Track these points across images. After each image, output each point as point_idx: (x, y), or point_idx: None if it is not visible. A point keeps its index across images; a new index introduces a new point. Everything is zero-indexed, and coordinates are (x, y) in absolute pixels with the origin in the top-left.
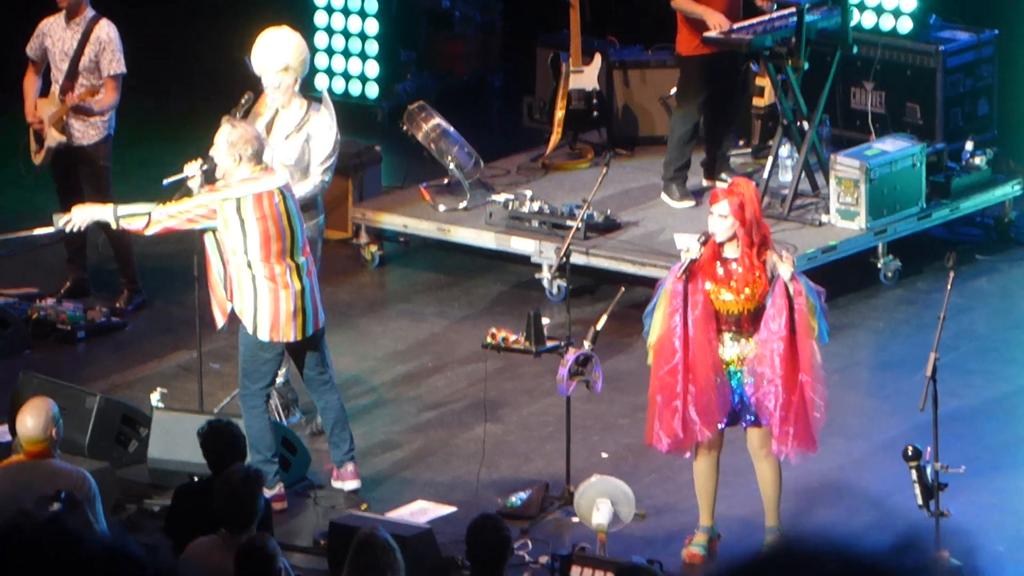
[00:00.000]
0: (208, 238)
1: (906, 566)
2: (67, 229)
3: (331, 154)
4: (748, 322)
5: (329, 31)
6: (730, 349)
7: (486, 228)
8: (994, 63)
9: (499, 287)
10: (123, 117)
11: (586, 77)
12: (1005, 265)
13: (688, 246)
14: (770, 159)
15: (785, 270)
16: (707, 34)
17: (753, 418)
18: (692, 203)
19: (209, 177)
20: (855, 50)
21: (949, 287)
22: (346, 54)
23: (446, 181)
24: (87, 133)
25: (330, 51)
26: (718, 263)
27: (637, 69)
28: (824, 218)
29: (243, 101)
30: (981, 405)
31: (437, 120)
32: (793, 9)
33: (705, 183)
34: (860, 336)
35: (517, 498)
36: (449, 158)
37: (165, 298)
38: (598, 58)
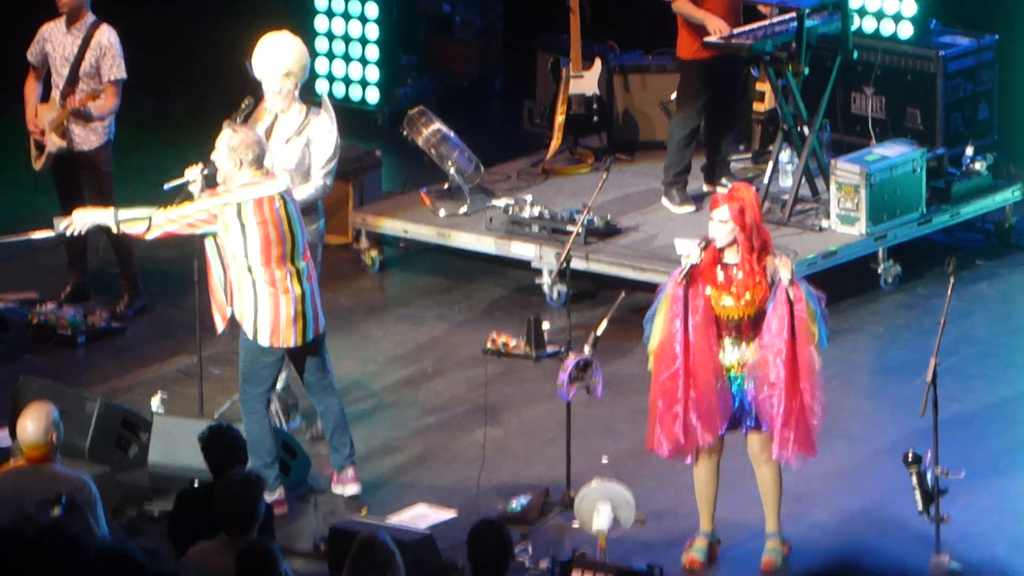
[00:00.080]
0: (208, 243)
1: (907, 570)
2: (67, 233)
3: (332, 157)
4: (748, 327)
5: (330, 36)
6: (730, 354)
7: (486, 233)
8: (994, 68)
9: (499, 292)
10: (123, 122)
11: (586, 82)
12: (1005, 270)
13: (688, 251)
14: (770, 164)
15: (784, 274)
16: (707, 38)
17: (753, 423)
18: (692, 208)
19: (210, 181)
20: (856, 55)
21: (949, 292)
22: (346, 59)
23: (446, 186)
24: (88, 138)
25: (331, 55)
26: (718, 268)
27: (637, 74)
28: (824, 223)
29: (244, 106)
30: (981, 410)
31: (437, 125)
32: (794, 14)
33: (705, 188)
34: (860, 341)
35: (517, 503)
36: (449, 163)
37: (165, 302)
38: (598, 63)
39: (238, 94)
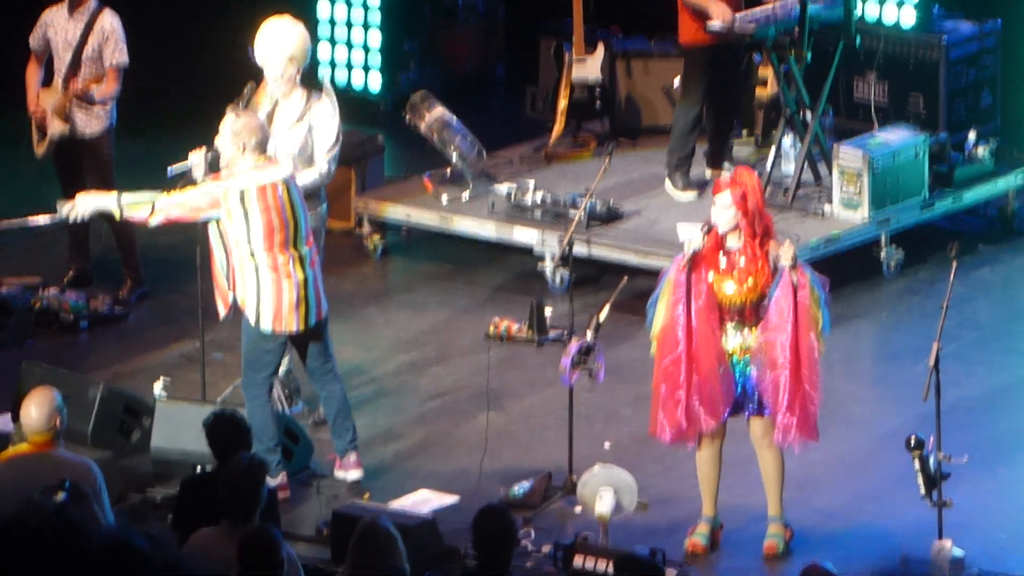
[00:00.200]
0: (211, 228)
1: (909, 555)
2: (70, 217)
3: (335, 143)
4: (751, 312)
5: (332, 22)
6: (733, 339)
7: (489, 218)
8: (997, 54)
9: (501, 277)
10: (124, 108)
11: (589, 67)
12: (1008, 255)
13: (691, 236)
14: (773, 149)
15: (786, 259)
16: (710, 24)
17: (756, 408)
18: (695, 193)
19: (213, 166)
20: (858, 41)
21: (952, 277)
22: (349, 45)
23: (449, 171)
24: (90, 124)
25: (333, 41)
26: (721, 253)
27: (640, 59)
28: (827, 208)
29: (245, 91)
30: (984, 395)
31: (440, 110)
32: (797, 0)
33: (708, 173)
34: (863, 326)
35: (520, 488)
36: (452, 148)
37: (168, 288)
38: (601, 48)
39: (240, 81)
